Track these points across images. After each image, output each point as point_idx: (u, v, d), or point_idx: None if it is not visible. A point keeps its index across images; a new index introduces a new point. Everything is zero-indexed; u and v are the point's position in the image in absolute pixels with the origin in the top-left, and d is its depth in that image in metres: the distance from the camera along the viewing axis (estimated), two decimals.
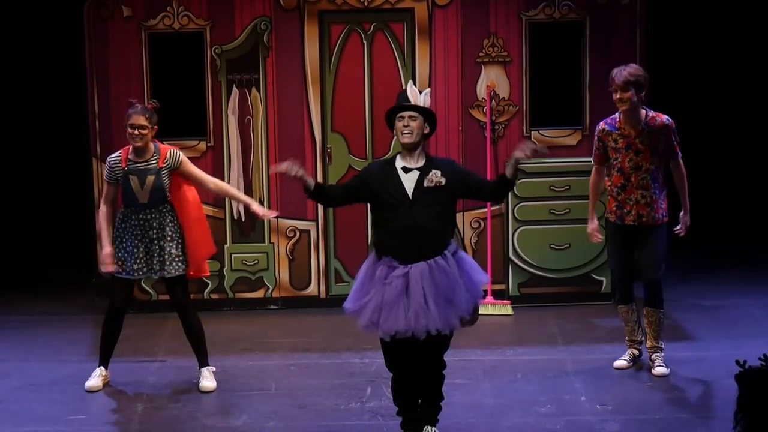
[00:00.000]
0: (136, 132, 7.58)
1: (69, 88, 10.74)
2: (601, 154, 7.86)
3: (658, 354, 7.93)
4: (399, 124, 6.49)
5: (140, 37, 9.53)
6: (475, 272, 6.53)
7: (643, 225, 7.74)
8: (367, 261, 6.61)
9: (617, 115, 7.76)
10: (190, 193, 7.78)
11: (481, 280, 6.56)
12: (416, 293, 6.36)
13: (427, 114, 6.53)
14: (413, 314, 6.36)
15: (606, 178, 7.90)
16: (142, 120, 7.58)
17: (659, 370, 7.86)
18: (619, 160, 7.72)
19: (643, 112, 7.71)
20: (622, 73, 7.61)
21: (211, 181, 7.89)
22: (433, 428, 6.64)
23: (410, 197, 6.43)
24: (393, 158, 6.59)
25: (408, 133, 6.45)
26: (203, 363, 7.85)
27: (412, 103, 6.49)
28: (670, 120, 7.75)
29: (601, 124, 7.83)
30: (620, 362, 8.01)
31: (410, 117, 6.47)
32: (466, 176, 6.59)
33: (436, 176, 6.45)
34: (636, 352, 8.02)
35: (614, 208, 7.82)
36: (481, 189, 6.62)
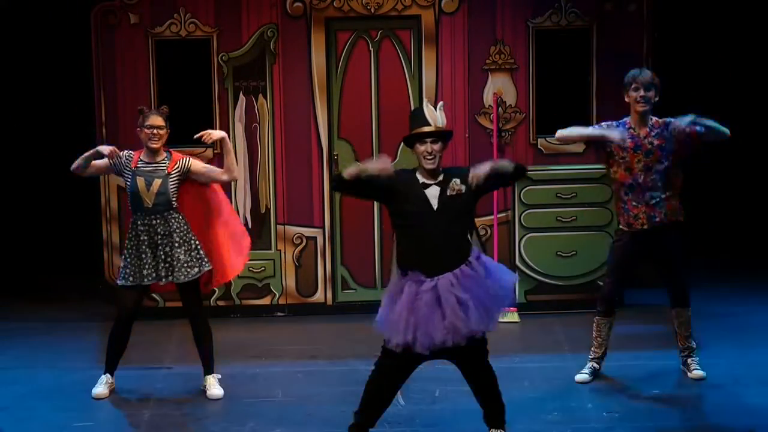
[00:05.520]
0: (155, 132, 7.61)
1: (76, 96, 10.75)
2: (598, 138, 7.67)
3: (693, 357, 7.94)
4: (422, 149, 6.46)
5: (147, 44, 9.54)
6: (503, 272, 6.59)
7: (656, 226, 7.70)
8: (393, 277, 6.56)
9: (626, 118, 7.76)
10: (208, 202, 7.78)
11: (510, 279, 6.62)
12: (449, 303, 6.36)
13: (448, 135, 6.58)
14: (450, 324, 6.36)
15: (615, 183, 7.83)
16: (160, 120, 7.64)
17: (696, 373, 7.88)
18: (627, 159, 7.69)
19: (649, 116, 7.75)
20: (645, 72, 7.69)
21: (219, 170, 7.79)
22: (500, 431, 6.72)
23: (435, 209, 6.44)
24: (415, 170, 6.58)
25: (431, 159, 6.46)
26: (209, 370, 7.85)
27: (433, 125, 6.48)
28: (670, 118, 7.76)
29: (612, 123, 7.74)
30: (582, 376, 7.93)
31: (432, 141, 6.47)
32: (474, 172, 6.52)
33: (456, 185, 6.47)
34: (597, 366, 7.97)
35: (622, 212, 7.77)
36: (499, 176, 6.57)
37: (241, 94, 9.62)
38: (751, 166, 11.99)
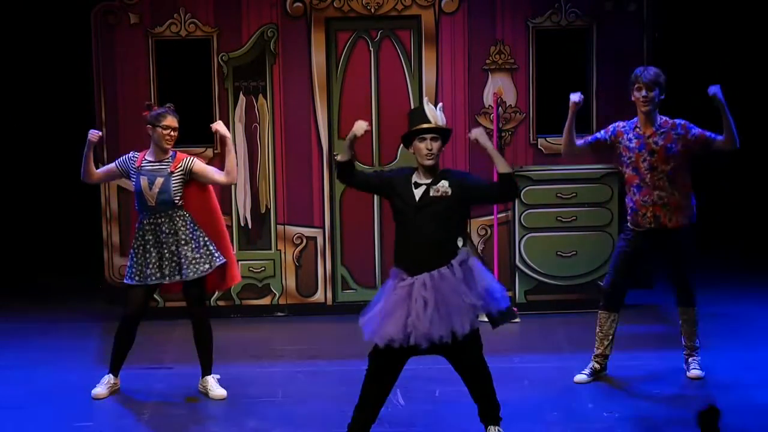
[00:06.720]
0: (171, 133, 7.65)
1: (76, 95, 10.76)
2: (602, 143, 7.78)
3: (694, 357, 7.94)
4: (421, 146, 6.52)
5: (147, 44, 9.54)
6: (490, 279, 6.54)
7: (661, 227, 7.71)
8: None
9: (635, 119, 7.78)
10: (209, 203, 7.77)
11: (498, 287, 6.55)
12: (416, 304, 6.38)
13: (447, 132, 6.61)
14: (411, 324, 6.38)
15: (626, 183, 7.85)
16: (176, 122, 7.71)
17: (694, 372, 7.89)
18: (633, 158, 7.71)
19: (658, 116, 7.74)
20: (649, 71, 7.68)
21: (219, 173, 7.76)
22: (497, 428, 6.68)
23: (416, 207, 6.47)
24: (413, 171, 6.63)
25: (431, 156, 6.50)
26: (207, 371, 7.84)
27: (433, 122, 6.54)
28: (682, 120, 7.75)
29: (620, 123, 7.82)
30: (581, 377, 7.92)
31: (432, 138, 6.52)
32: (473, 184, 6.61)
33: (443, 186, 6.50)
34: (598, 366, 7.95)
35: (630, 211, 7.80)
36: (487, 192, 6.67)
37: (241, 94, 9.62)
38: (752, 166, 11.98)
